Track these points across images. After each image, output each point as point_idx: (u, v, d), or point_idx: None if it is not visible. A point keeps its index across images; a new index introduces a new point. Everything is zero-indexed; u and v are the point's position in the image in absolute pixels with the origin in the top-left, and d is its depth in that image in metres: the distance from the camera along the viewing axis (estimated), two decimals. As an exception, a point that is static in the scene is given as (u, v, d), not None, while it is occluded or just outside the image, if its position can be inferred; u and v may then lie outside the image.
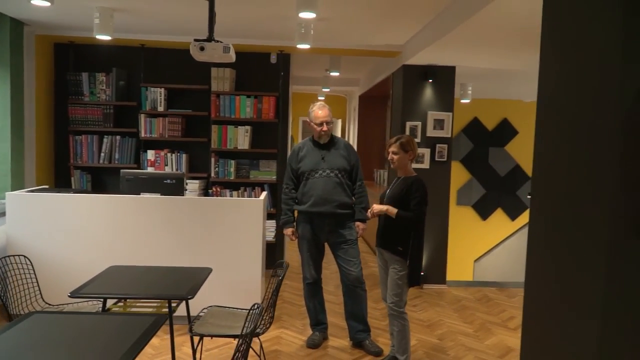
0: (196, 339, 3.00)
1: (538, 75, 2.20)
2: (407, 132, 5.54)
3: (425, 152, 5.55)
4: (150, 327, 2.30)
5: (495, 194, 8.90)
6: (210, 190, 5.77)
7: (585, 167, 1.89)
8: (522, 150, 9.27)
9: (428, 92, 5.54)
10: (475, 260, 8.04)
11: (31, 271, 3.37)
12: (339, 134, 10.66)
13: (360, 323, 3.94)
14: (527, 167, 9.37)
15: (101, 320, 2.44)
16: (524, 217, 9.23)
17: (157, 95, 5.65)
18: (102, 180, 5.81)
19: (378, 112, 8.89)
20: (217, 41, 3.57)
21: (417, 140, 5.49)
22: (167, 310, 3.01)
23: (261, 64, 5.80)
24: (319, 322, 4.05)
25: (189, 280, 3.04)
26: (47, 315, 2.45)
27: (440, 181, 5.63)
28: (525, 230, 7.10)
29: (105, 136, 5.68)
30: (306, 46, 4.47)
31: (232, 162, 5.76)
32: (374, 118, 8.93)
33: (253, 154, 5.80)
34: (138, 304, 3.15)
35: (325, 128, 3.88)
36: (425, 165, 5.57)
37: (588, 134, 1.86)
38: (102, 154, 5.70)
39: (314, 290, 4.02)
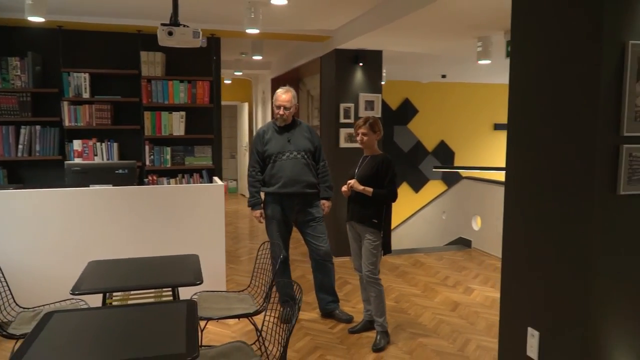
0: (202, 323, 3.03)
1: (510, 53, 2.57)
2: (342, 113, 5.82)
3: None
4: (189, 312, 2.34)
5: (400, 169, 9.62)
6: (145, 179, 5.58)
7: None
8: (422, 128, 10.08)
9: (359, 75, 5.86)
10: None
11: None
12: (245, 117, 10.66)
13: (330, 295, 4.19)
14: (427, 143, 10.24)
15: (132, 311, 2.41)
16: (427, 189, 10.07)
17: (80, 81, 5.30)
18: (19, 175, 5.34)
19: (290, 94, 9.06)
20: (185, 25, 3.52)
21: (351, 121, 5.81)
22: (166, 299, 3.00)
23: (191, 47, 5.66)
24: (292, 297, 4.21)
25: (184, 268, 3.06)
26: (69, 313, 2.37)
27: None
28: (437, 201, 7.81)
29: (23, 126, 5.22)
30: (255, 31, 4.51)
31: (168, 149, 5.61)
32: (287, 101, 9.08)
33: (189, 140, 5.70)
34: (136, 296, 3.08)
35: (281, 112, 3.99)
36: (358, 144, 5.89)
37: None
38: (20, 146, 5.23)
39: (283, 268, 4.17)
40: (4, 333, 2.69)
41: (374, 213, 3.68)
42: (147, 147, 5.54)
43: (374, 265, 3.75)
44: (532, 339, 2.80)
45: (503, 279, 3.07)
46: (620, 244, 2.47)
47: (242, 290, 3.56)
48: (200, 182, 5.68)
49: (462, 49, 5.58)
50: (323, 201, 4.15)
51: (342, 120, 5.88)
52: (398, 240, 8.82)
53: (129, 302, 3.05)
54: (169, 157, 5.62)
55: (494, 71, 8.29)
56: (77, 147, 5.35)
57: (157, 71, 5.49)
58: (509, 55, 4.87)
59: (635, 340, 2.58)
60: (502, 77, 9.75)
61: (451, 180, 9.10)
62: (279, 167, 3.99)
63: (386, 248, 3.75)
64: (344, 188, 3.79)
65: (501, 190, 6.08)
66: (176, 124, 5.58)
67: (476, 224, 6.57)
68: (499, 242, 6.07)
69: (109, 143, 5.43)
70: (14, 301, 3.13)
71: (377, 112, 5.93)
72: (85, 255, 3.82)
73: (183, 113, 5.58)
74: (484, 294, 4.82)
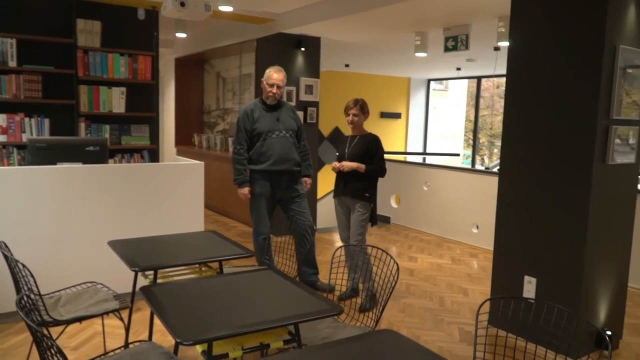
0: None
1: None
2: (285, 97, 5.96)
3: (299, 114, 6.08)
4: (281, 278, 2.43)
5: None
6: (81, 159, 5.11)
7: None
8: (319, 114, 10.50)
9: (300, 60, 6.05)
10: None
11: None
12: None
13: (312, 267, 4.39)
14: (323, 129, 10.71)
15: (226, 280, 2.41)
16: (323, 173, 10.55)
17: (6, 47, 4.67)
18: None
19: (196, 75, 8.83)
20: (194, -4, 3.42)
21: (293, 104, 5.98)
22: (208, 274, 2.98)
23: (128, 19, 5.33)
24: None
25: (210, 244, 3.04)
26: (167, 286, 2.29)
27: (309, 142, 6.24)
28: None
29: None
30: (229, 8, 4.46)
31: (107, 127, 5.22)
32: (192, 81, 8.83)
33: (130, 118, 5.36)
34: (177, 272, 2.98)
35: (275, 90, 4.08)
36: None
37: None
38: None
39: (267, 245, 4.26)
40: (50, 320, 2.46)
41: (366, 187, 4.00)
42: (82, 125, 5.09)
43: (362, 236, 4.06)
44: (530, 285, 3.37)
45: (497, 235, 3.62)
46: (607, 202, 3.15)
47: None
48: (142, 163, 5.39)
49: (400, 42, 6.10)
50: (305, 178, 4.33)
51: (283, 102, 6.02)
52: (317, 219, 9.18)
53: (170, 279, 2.94)
54: (107, 135, 5.23)
55: (396, 64, 9.04)
56: (1, 122, 4.72)
57: (95, 41, 5.06)
58: (447, 50, 5.52)
59: (614, 275, 3.32)
60: (399, 71, 10.66)
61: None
62: (269, 145, 4.07)
63: (373, 219, 4.10)
64: (336, 165, 4.02)
65: (417, 170, 6.80)
66: (116, 101, 5.21)
67: (394, 202, 7.22)
68: (417, 217, 6.76)
69: (39, 119, 4.87)
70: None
71: (316, 96, 6.19)
72: (55, 239, 3.55)
73: (124, 89, 5.23)
74: (427, 260, 5.43)
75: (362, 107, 4.06)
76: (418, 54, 5.74)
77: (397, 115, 11.52)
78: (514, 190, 3.46)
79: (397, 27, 5.39)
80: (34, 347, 2.78)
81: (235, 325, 1.86)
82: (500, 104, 14.69)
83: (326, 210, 8.89)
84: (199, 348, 2.00)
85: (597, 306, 3.23)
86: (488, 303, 2.21)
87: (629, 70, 3.05)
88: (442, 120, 13.85)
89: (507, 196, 3.52)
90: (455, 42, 5.28)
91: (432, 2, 4.39)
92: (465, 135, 14.91)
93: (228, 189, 7.11)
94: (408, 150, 11.73)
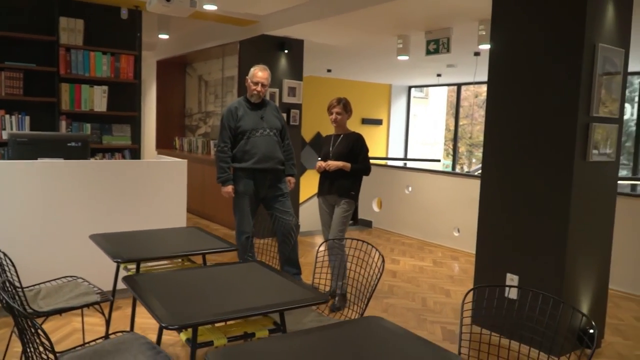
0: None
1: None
2: (268, 97, 5.96)
3: (283, 116, 6.09)
4: (267, 269, 2.43)
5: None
6: (61, 158, 5.04)
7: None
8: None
9: (283, 62, 6.07)
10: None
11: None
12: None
13: (295, 267, 4.38)
14: (305, 134, 10.73)
15: (211, 272, 2.39)
16: (306, 178, 10.55)
17: (-15, 43, 4.60)
18: None
19: (178, 78, 8.79)
20: (180, -8, 3.42)
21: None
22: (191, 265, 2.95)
23: (111, 17, 5.30)
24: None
25: (194, 238, 3.02)
26: (152, 275, 2.27)
27: (293, 144, 6.25)
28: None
29: None
30: (213, 7, 4.47)
31: (88, 125, 5.16)
32: (174, 85, 8.79)
33: (111, 117, 5.31)
34: (154, 266, 2.94)
35: (259, 88, 4.09)
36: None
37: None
38: None
39: (250, 244, 4.24)
40: (30, 311, 2.41)
41: (352, 185, 4.02)
42: (64, 123, 5.02)
43: (342, 233, 4.07)
44: (512, 282, 3.42)
45: (479, 234, 3.66)
46: (587, 197, 3.22)
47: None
48: (123, 163, 5.33)
49: (382, 45, 6.17)
50: (288, 177, 4.33)
51: (266, 104, 6.03)
52: (299, 222, 9.17)
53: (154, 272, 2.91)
54: (89, 134, 5.16)
55: (378, 69, 9.13)
56: (-21, 119, 4.64)
57: (78, 39, 5.02)
58: (428, 53, 5.60)
59: (595, 272, 3.38)
60: (380, 77, 10.75)
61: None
62: (253, 144, 4.07)
63: (355, 218, 4.12)
64: (322, 164, 4.03)
65: (398, 173, 6.85)
66: (98, 99, 5.16)
67: (376, 206, 7.26)
68: (399, 220, 6.80)
69: (20, 116, 4.80)
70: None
71: (299, 99, 6.21)
72: (36, 234, 3.49)
73: (105, 87, 5.19)
74: (409, 262, 5.46)
75: (345, 106, 4.09)
76: (400, 57, 5.81)
77: (378, 122, 11.61)
78: (498, 185, 3.51)
79: (379, 30, 5.45)
80: (12, 342, 2.73)
81: (220, 313, 1.85)
82: (479, 113, 14.91)
83: (308, 214, 8.90)
84: (183, 336, 1.98)
85: (579, 305, 3.28)
86: (471, 294, 2.23)
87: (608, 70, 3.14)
88: (422, 127, 13.99)
89: (489, 193, 3.57)
90: (437, 46, 5.36)
91: (413, 4, 4.45)
92: (445, 144, 15.08)
93: (210, 191, 7.06)
94: (389, 156, 11.82)
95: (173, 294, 2.03)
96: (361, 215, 7.41)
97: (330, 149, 4.10)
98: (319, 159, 4.18)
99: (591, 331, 3.28)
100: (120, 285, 2.81)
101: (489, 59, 3.52)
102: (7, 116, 4.74)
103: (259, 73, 4.08)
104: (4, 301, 1.71)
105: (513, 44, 3.37)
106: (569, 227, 3.11)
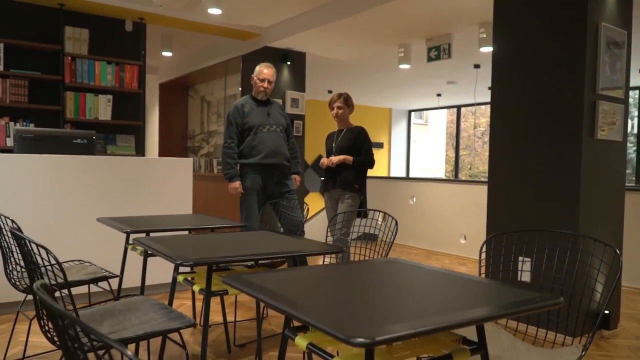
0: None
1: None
2: (271, 108, 6.00)
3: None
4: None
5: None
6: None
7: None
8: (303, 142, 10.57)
9: (286, 74, 6.14)
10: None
11: None
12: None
13: (301, 264, 4.30)
14: (307, 157, 10.76)
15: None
16: (308, 200, 10.51)
17: (-8, 51, 4.66)
18: None
19: (180, 101, 8.87)
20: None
21: (279, 116, 6.02)
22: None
23: (115, 29, 5.39)
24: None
25: (200, 218, 2.98)
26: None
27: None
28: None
29: None
30: (218, 11, 4.55)
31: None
32: (176, 107, 8.86)
33: (115, 125, 5.33)
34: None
35: (266, 85, 4.11)
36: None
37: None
38: None
39: (256, 242, 4.18)
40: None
41: (355, 178, 3.99)
42: (68, 131, 5.02)
43: (347, 228, 4.01)
44: (525, 265, 3.34)
45: (489, 221, 3.61)
46: (596, 176, 3.19)
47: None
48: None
49: (384, 57, 6.26)
50: (294, 175, 4.30)
51: (269, 115, 6.07)
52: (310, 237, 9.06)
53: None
54: (92, 142, 5.16)
55: (378, 89, 9.23)
56: (-16, 125, 4.64)
57: (83, 49, 5.08)
58: (430, 59, 5.67)
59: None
60: (380, 101, 10.88)
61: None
62: (260, 139, 4.06)
63: (363, 212, 4.07)
64: (325, 161, 4.03)
65: (402, 185, 6.82)
66: (102, 108, 5.19)
67: (381, 218, 7.19)
68: (404, 232, 6.71)
69: (24, 123, 4.81)
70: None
71: (302, 110, 6.26)
72: (44, 228, 3.43)
73: (110, 97, 5.22)
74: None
75: (346, 100, 4.11)
76: (402, 66, 5.88)
77: (379, 145, 11.66)
78: (506, 165, 3.48)
79: (380, 37, 5.54)
80: (12, 336, 2.64)
81: (237, 255, 1.80)
82: (478, 144, 14.99)
83: (310, 233, 8.79)
84: (196, 287, 1.92)
85: (594, 287, 3.20)
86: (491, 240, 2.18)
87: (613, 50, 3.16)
88: (423, 154, 14.04)
89: (497, 183, 3.54)
90: (438, 52, 5.44)
91: (413, 7, 4.54)
92: (445, 175, 15.08)
93: (213, 206, 7.02)
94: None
95: (187, 248, 1.98)
96: (365, 229, 7.33)
97: (334, 144, 4.10)
98: (326, 149, 4.17)
99: (607, 312, 3.20)
100: (128, 263, 2.73)
101: (493, 40, 3.55)
102: (12, 123, 4.75)
103: (265, 70, 4.12)
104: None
105: (516, 26, 3.41)
106: (580, 198, 3.07)
